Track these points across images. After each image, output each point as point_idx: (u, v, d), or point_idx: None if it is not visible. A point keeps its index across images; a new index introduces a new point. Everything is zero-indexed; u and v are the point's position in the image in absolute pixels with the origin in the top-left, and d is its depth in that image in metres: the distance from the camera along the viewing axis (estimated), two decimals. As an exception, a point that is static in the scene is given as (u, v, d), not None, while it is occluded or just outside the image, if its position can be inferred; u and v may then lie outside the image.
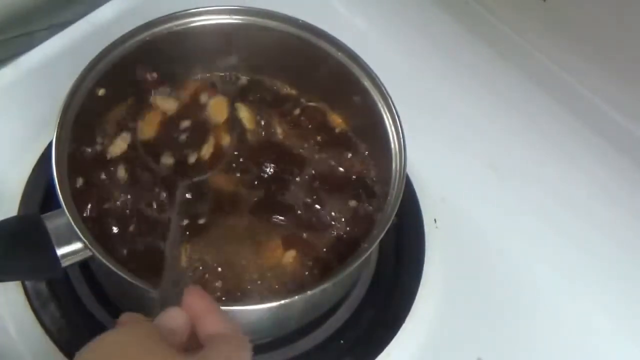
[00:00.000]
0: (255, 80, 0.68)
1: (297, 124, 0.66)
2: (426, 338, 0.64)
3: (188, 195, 0.60)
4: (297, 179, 0.62)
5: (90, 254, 0.51)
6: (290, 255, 0.59)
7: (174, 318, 0.44)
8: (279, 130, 0.65)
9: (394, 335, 0.62)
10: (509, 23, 0.78)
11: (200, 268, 0.58)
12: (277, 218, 0.60)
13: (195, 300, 0.45)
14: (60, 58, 0.73)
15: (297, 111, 0.66)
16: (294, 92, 0.68)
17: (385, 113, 0.60)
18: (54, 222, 0.52)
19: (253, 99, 0.67)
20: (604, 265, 0.70)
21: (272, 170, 0.63)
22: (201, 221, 0.60)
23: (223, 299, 0.56)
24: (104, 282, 0.62)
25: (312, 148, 0.65)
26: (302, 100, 0.67)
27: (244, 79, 0.68)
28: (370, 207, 0.62)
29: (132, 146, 0.62)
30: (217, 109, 0.64)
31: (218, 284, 0.57)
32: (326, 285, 0.53)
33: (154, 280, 0.56)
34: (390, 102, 0.60)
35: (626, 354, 0.67)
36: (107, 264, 0.51)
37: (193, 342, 0.44)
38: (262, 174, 0.62)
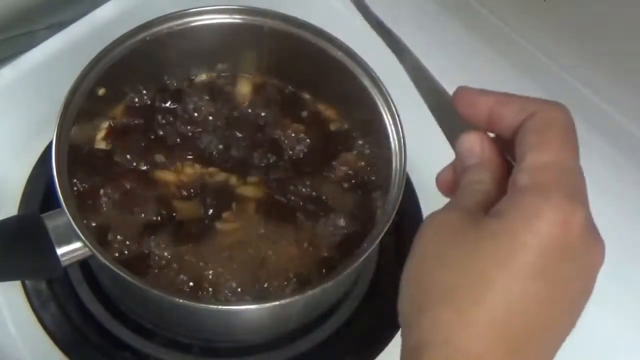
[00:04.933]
0: (257, 81, 0.68)
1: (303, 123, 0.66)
2: (426, 338, 0.63)
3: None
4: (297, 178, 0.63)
5: (90, 253, 0.51)
6: (289, 254, 0.59)
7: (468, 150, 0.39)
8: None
9: (394, 335, 0.62)
10: (510, 23, 0.78)
11: (201, 265, 0.58)
12: (280, 218, 0.61)
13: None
14: (60, 57, 0.73)
15: (304, 113, 0.67)
16: (294, 91, 0.68)
17: (385, 112, 0.60)
18: (54, 222, 0.52)
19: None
20: (605, 264, 0.70)
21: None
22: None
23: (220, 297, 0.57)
24: (104, 282, 0.62)
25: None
26: (307, 100, 0.67)
27: (245, 80, 0.68)
28: (371, 207, 0.62)
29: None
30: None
31: (215, 282, 0.57)
32: (326, 285, 0.53)
33: (153, 280, 0.56)
34: (390, 102, 0.60)
35: (627, 352, 0.67)
36: (107, 263, 0.51)
37: None
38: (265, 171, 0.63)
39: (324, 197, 0.62)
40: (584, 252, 0.35)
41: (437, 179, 0.43)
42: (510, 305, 0.33)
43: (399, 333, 0.64)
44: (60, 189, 0.52)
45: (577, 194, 0.36)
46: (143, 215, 0.59)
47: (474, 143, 0.39)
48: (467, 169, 0.39)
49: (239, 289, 0.57)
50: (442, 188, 0.43)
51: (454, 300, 0.34)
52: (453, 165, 0.42)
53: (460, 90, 0.41)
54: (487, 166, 0.39)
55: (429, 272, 0.36)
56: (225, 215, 0.60)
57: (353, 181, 0.63)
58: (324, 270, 0.58)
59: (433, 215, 0.38)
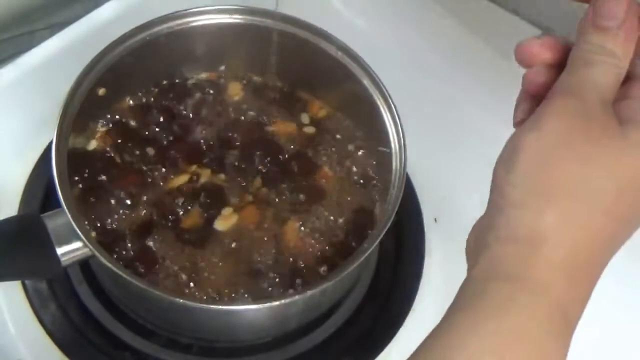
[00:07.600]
0: (257, 81, 0.68)
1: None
2: (426, 338, 0.64)
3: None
4: (298, 178, 0.63)
5: (90, 253, 0.51)
6: (289, 255, 0.59)
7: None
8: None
9: (394, 335, 0.62)
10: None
11: (201, 264, 0.58)
12: (280, 219, 0.61)
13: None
14: (60, 58, 0.73)
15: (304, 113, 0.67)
16: (294, 92, 0.68)
17: (385, 112, 0.60)
18: (54, 222, 0.52)
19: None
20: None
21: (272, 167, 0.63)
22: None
23: (217, 297, 0.57)
24: (104, 282, 0.62)
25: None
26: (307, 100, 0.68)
27: (245, 79, 0.68)
28: (371, 207, 0.62)
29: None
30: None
31: (215, 282, 0.57)
32: (326, 285, 0.53)
33: (153, 280, 0.57)
34: (390, 102, 0.60)
35: (628, 352, 0.67)
36: (107, 263, 0.51)
37: None
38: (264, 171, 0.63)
39: (323, 198, 0.62)
40: None
41: (526, 44, 0.39)
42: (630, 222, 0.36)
43: (399, 333, 0.64)
44: (60, 189, 0.52)
45: None
46: (143, 215, 0.59)
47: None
48: (595, 30, 0.34)
49: (239, 289, 0.57)
50: (526, 55, 0.39)
51: (586, 199, 0.34)
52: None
53: None
54: (625, 36, 0.34)
55: (557, 163, 0.35)
56: (224, 215, 0.60)
57: (361, 181, 0.63)
58: (323, 270, 0.58)
59: (559, 98, 0.36)
